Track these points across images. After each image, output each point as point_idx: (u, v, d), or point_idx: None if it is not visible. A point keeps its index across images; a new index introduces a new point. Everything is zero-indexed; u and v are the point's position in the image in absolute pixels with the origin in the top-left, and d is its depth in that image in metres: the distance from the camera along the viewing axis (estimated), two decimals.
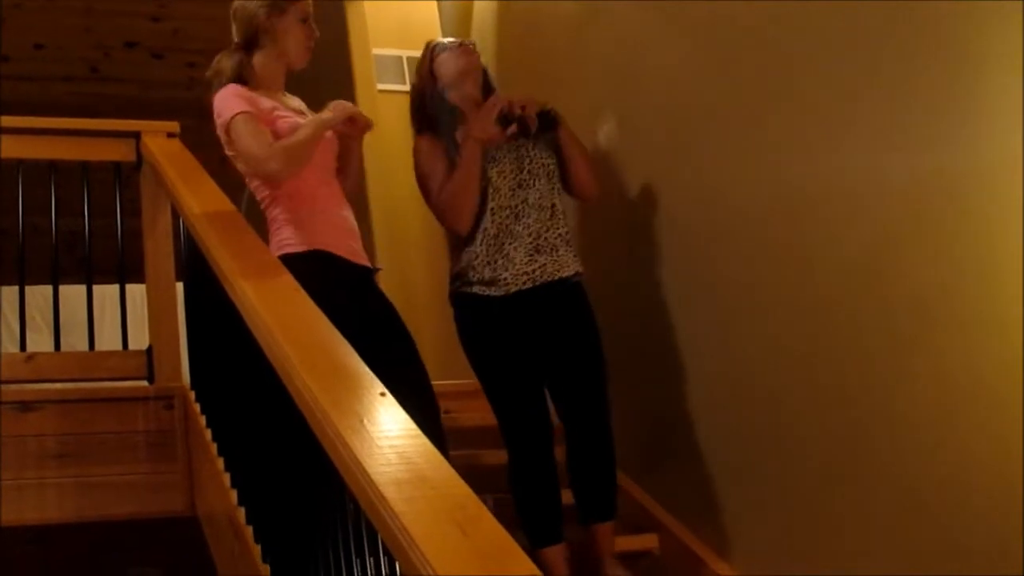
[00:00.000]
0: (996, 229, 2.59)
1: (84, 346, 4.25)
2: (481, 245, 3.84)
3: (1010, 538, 2.54)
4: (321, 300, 2.78)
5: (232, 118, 3.54)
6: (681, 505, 3.93)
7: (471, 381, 4.04)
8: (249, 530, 3.05)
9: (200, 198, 3.62)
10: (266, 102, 3.62)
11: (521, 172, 3.91)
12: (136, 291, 4.43)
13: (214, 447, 3.53)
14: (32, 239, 4.16)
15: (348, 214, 3.73)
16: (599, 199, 4.08)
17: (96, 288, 4.29)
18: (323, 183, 3.68)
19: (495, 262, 3.82)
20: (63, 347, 4.23)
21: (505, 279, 3.80)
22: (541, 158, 3.94)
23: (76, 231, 4.19)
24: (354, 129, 3.71)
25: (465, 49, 4.04)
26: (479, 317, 3.86)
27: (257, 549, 2.96)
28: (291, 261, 3.39)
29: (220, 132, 3.61)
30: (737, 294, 3.63)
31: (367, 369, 2.38)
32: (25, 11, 6.75)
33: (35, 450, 3.76)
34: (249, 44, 3.70)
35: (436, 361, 4.78)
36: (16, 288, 4.20)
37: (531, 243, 3.83)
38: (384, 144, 3.82)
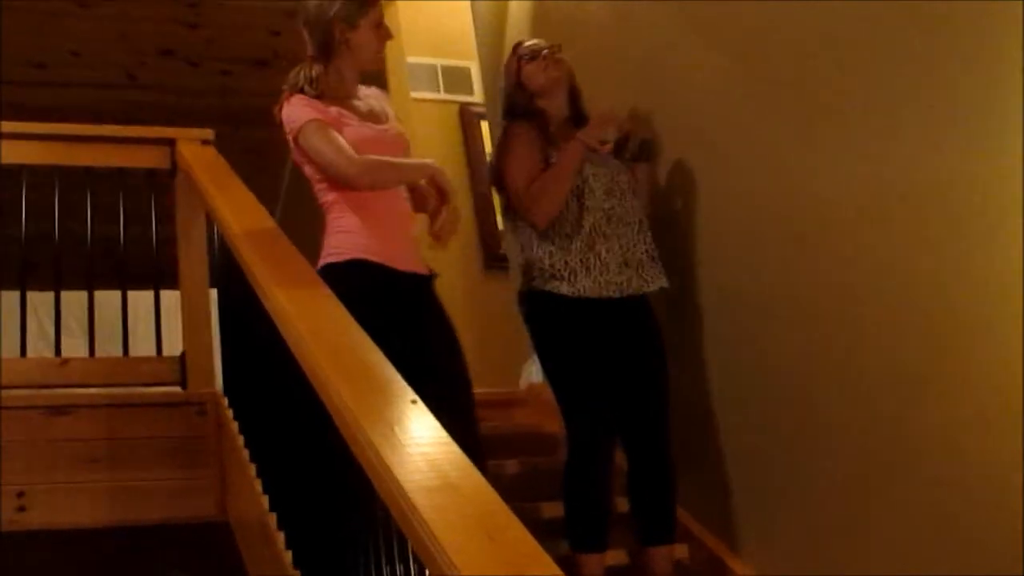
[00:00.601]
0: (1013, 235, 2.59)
1: (118, 351, 4.28)
2: (576, 241, 3.82)
3: None
4: (356, 310, 2.78)
5: (303, 125, 3.54)
6: (712, 516, 3.92)
7: (493, 390, 4.06)
8: (280, 536, 3.07)
9: (234, 205, 3.64)
10: (333, 110, 3.61)
11: (611, 182, 3.91)
12: (171, 297, 4.46)
13: (246, 453, 3.54)
14: (68, 244, 4.20)
15: (407, 222, 3.70)
16: None
17: (131, 294, 4.31)
18: (394, 194, 3.67)
19: (588, 260, 3.80)
20: (97, 352, 4.27)
21: (600, 282, 3.78)
22: (625, 176, 3.97)
23: (112, 237, 4.22)
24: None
25: (552, 60, 4.05)
26: (559, 315, 3.83)
27: (288, 555, 2.98)
28: (330, 270, 3.43)
29: (290, 141, 3.62)
30: (768, 300, 3.62)
31: (399, 376, 2.39)
32: (62, 18, 6.81)
33: (68, 454, 3.78)
34: (325, 55, 3.65)
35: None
36: (52, 293, 4.23)
37: (621, 255, 3.82)
38: (418, 154, 3.83)
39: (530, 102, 4.04)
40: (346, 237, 3.57)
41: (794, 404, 3.49)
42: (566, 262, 3.80)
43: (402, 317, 3.50)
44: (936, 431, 2.89)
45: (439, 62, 6.59)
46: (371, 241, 3.55)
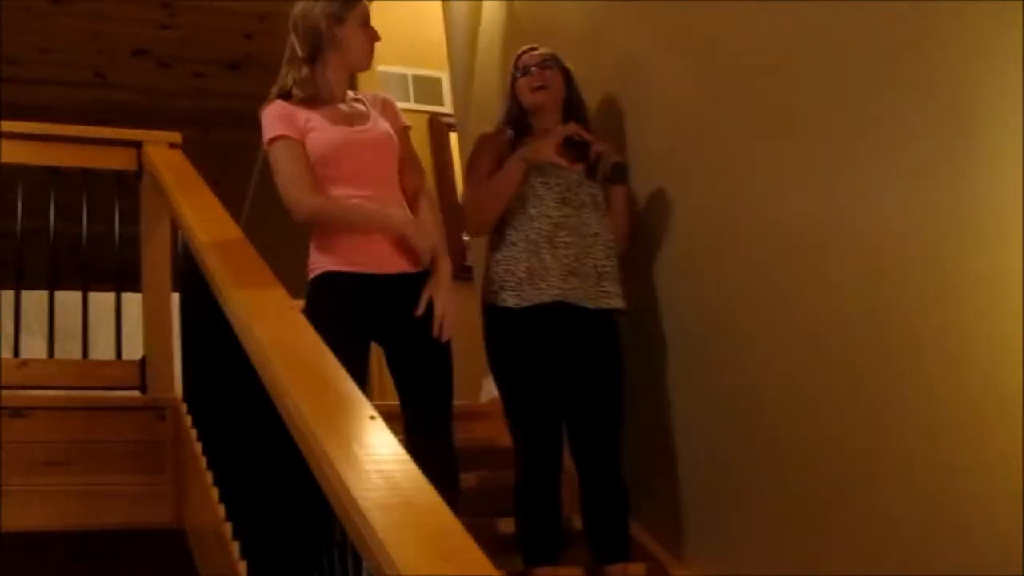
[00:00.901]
0: (990, 263, 2.60)
1: (78, 353, 4.25)
2: (522, 251, 3.82)
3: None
4: (323, 325, 2.77)
5: (271, 142, 3.55)
6: (670, 535, 3.92)
7: (460, 403, 4.07)
8: (235, 546, 3.05)
9: (199, 211, 3.62)
10: (302, 116, 3.59)
11: (568, 192, 3.90)
12: (133, 300, 4.42)
13: (204, 460, 3.52)
14: (31, 244, 4.17)
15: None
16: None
17: (93, 295, 4.28)
18: (371, 195, 3.62)
19: (532, 267, 3.79)
20: (58, 354, 4.23)
21: (540, 287, 3.77)
22: (590, 188, 3.94)
23: (75, 236, 4.19)
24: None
25: (540, 76, 4.03)
26: (504, 327, 3.84)
27: (243, 565, 2.96)
28: (308, 286, 3.51)
29: None
30: (730, 318, 3.62)
31: (359, 391, 2.38)
32: (33, 14, 6.76)
33: (24, 457, 3.74)
34: (313, 56, 3.64)
35: None
36: (12, 293, 4.20)
37: (567, 264, 3.80)
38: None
39: (521, 115, 4.06)
40: (319, 252, 3.57)
41: (757, 423, 3.48)
42: (513, 272, 3.80)
43: (381, 321, 3.50)
44: (895, 452, 2.90)
45: (410, 71, 6.58)
46: (344, 250, 3.54)
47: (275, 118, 3.57)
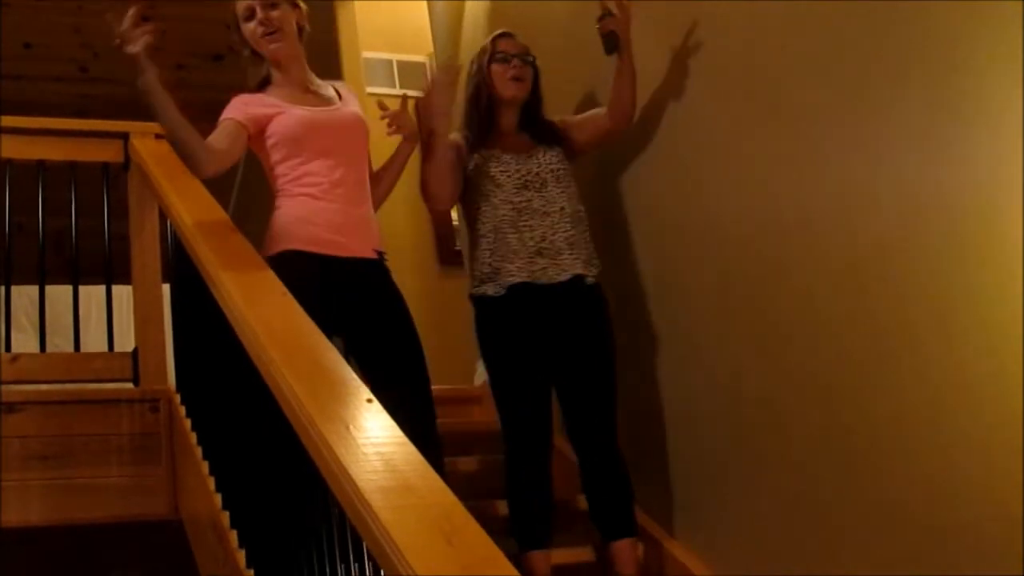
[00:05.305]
0: (984, 245, 2.59)
1: (70, 347, 4.23)
2: (491, 241, 3.83)
3: (997, 551, 2.54)
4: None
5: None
6: (665, 513, 3.92)
7: (450, 387, 4.09)
8: (233, 534, 3.04)
9: (187, 200, 3.61)
10: (267, 102, 3.70)
11: (528, 176, 3.89)
12: (123, 292, 4.41)
13: (199, 451, 3.51)
14: (18, 238, 4.14)
15: (354, 208, 3.69)
16: (587, 206, 4.05)
17: (83, 289, 4.27)
18: (342, 176, 3.68)
19: (498, 252, 3.80)
20: (48, 348, 4.21)
21: (509, 270, 3.78)
22: (551, 164, 3.92)
23: (63, 231, 4.18)
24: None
25: (520, 69, 4.01)
26: (487, 316, 3.85)
27: (241, 554, 2.95)
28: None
29: None
30: (725, 301, 3.61)
31: (353, 375, 2.38)
32: (15, 10, 6.73)
33: (18, 451, 3.74)
34: (251, 51, 3.79)
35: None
36: (1, 288, 4.17)
37: (533, 246, 3.80)
38: (374, 149, 3.81)
39: (491, 105, 4.00)
40: (279, 229, 3.58)
41: (751, 404, 3.48)
42: (487, 262, 3.82)
43: (342, 307, 3.48)
44: (890, 433, 2.90)
45: (394, 57, 6.56)
46: (305, 230, 3.56)
47: (232, 105, 3.70)
